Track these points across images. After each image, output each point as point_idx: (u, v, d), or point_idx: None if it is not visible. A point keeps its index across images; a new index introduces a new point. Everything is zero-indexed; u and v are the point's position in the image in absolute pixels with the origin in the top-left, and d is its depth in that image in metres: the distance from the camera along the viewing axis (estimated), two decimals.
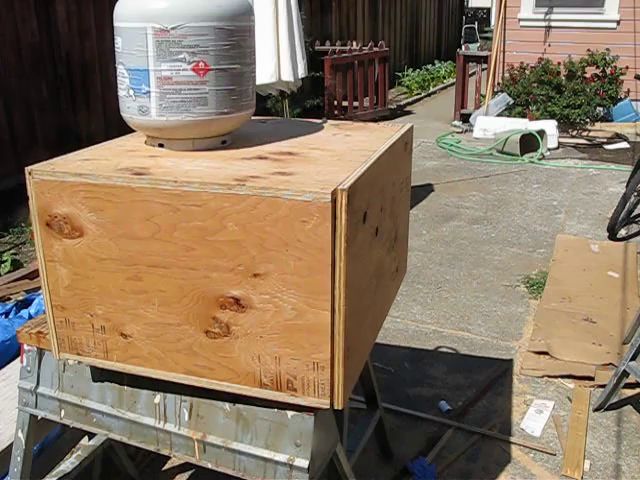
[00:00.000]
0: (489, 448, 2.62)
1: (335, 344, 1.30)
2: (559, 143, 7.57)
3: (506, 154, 7.20)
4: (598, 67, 8.07)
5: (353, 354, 1.39)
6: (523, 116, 8.11)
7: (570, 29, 8.62)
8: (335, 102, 8.51)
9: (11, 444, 1.93)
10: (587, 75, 8.12)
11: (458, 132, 8.40)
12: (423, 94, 11.57)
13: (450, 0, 16.30)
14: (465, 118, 8.69)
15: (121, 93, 1.52)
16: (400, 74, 12.34)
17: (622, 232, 4.84)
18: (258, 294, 1.31)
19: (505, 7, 8.85)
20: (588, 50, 8.15)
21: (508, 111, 8.33)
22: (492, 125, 7.83)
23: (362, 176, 1.34)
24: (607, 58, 8.03)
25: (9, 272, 4.09)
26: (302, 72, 4.92)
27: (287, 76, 4.75)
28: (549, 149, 7.35)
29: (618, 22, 8.45)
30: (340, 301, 1.27)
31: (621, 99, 8.19)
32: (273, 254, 1.27)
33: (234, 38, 1.46)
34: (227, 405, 1.50)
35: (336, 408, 1.37)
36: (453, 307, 3.82)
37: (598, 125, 8.13)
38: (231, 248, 1.30)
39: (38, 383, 1.75)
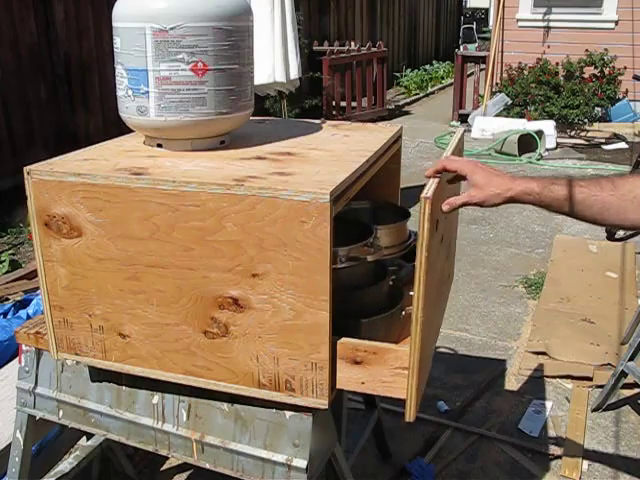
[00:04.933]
0: (487, 448, 2.62)
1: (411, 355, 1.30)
2: (557, 143, 7.58)
3: (504, 154, 7.20)
4: (596, 67, 8.07)
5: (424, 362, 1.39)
6: (521, 116, 8.11)
7: (568, 29, 8.62)
8: (333, 102, 8.51)
9: (9, 444, 1.93)
10: (585, 75, 8.13)
11: None
12: (421, 94, 11.57)
13: (448, 0, 16.31)
14: (463, 118, 8.68)
15: (120, 93, 1.52)
16: (398, 74, 12.34)
17: (620, 232, 4.84)
18: (257, 294, 1.31)
19: (503, 7, 8.85)
20: (586, 50, 8.16)
21: (506, 111, 8.34)
22: (490, 125, 7.83)
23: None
24: (605, 58, 8.03)
25: (7, 272, 4.09)
26: (295, 73, 4.92)
27: (280, 77, 4.76)
28: (547, 149, 7.36)
29: (616, 22, 8.46)
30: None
31: (619, 99, 8.20)
32: (272, 254, 1.27)
33: (233, 38, 1.46)
34: (225, 405, 1.50)
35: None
36: (451, 307, 3.82)
37: (596, 125, 8.14)
38: (230, 248, 1.30)
39: (36, 383, 1.74)
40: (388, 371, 1.34)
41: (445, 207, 1.35)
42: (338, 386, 1.39)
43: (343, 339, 1.35)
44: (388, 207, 1.84)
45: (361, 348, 1.34)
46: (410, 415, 1.35)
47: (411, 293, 1.54)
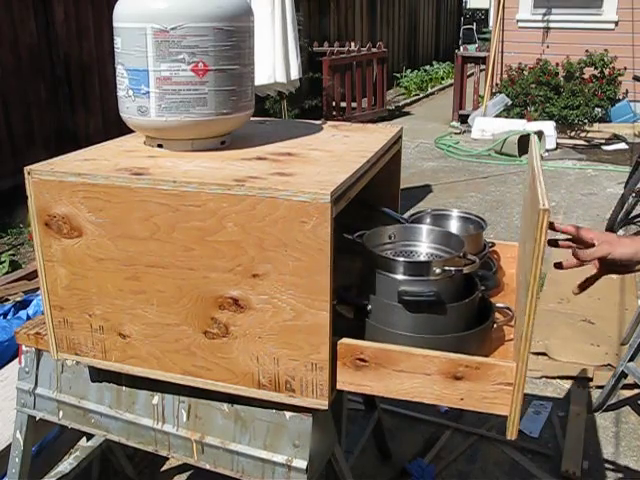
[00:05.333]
0: (487, 449, 2.62)
1: None
2: (557, 144, 7.58)
3: (504, 155, 7.20)
4: (596, 68, 8.08)
5: None
6: (521, 117, 8.12)
7: (568, 30, 8.63)
8: (333, 103, 8.52)
9: (9, 445, 1.92)
10: (585, 76, 8.13)
11: (456, 133, 8.41)
12: (421, 95, 11.58)
13: (448, 1, 16.32)
14: (463, 119, 8.69)
15: (120, 93, 1.52)
16: (398, 75, 12.35)
17: (620, 233, 4.84)
18: (257, 294, 1.31)
19: (503, 8, 8.85)
20: (586, 51, 8.16)
21: (506, 112, 8.34)
22: (490, 126, 7.84)
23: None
24: (605, 59, 8.04)
25: (7, 273, 4.09)
26: (296, 74, 4.92)
27: (280, 77, 4.77)
28: (547, 150, 7.36)
29: (616, 23, 8.46)
30: None
31: (619, 100, 8.21)
32: (272, 254, 1.27)
33: (234, 39, 1.46)
34: (225, 406, 1.50)
35: None
36: None
37: (596, 126, 8.14)
38: (230, 248, 1.30)
39: (36, 384, 1.74)
40: (490, 387, 1.29)
41: (581, 254, 1.47)
42: (433, 402, 1.34)
43: (429, 351, 1.31)
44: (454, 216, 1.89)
45: (462, 363, 1.29)
46: (512, 432, 1.30)
47: (499, 304, 1.52)
